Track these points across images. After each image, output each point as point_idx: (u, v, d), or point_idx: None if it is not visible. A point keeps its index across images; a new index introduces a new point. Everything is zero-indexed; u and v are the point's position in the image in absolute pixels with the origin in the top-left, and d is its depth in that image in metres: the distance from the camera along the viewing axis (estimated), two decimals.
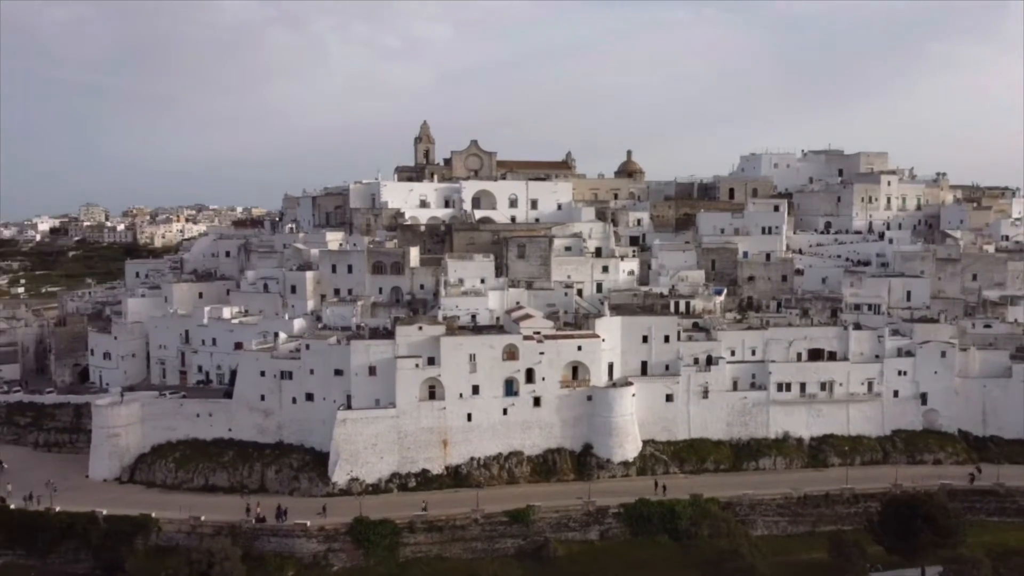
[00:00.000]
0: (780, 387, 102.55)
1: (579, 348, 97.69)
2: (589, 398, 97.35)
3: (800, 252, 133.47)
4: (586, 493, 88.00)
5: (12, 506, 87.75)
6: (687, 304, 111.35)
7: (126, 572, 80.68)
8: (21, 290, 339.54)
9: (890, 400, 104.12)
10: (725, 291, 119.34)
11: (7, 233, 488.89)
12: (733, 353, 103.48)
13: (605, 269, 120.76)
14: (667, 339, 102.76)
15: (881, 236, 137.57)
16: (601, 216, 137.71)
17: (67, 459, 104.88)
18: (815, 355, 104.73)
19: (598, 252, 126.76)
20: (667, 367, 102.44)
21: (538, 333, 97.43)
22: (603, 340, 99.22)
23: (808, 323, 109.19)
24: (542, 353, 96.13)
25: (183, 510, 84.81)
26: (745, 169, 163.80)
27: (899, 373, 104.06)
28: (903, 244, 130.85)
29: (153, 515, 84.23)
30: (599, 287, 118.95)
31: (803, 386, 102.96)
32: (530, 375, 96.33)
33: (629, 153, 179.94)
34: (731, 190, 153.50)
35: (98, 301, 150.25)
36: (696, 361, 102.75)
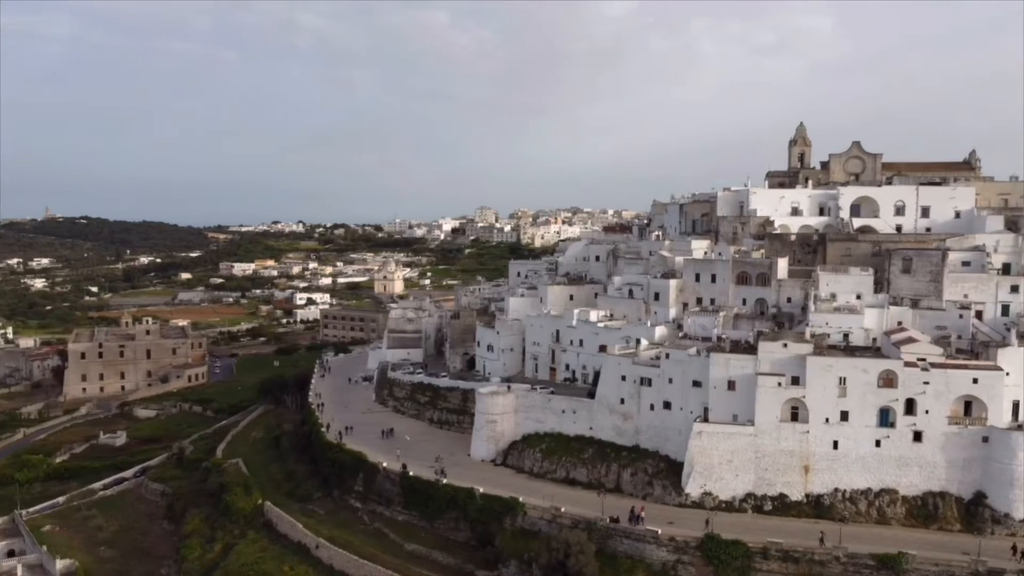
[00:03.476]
0: None
1: (975, 381, 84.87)
2: (985, 439, 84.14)
3: None
4: (975, 549, 76.23)
5: (411, 473, 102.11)
6: None
7: (495, 547, 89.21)
8: (427, 282, 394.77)
9: None
10: None
11: (419, 232, 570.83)
12: None
13: (1014, 289, 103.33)
14: None
15: None
16: (1013, 226, 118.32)
17: (454, 437, 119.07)
18: None
19: (1006, 269, 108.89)
20: None
21: (923, 360, 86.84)
22: (1007, 374, 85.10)
23: None
24: (926, 383, 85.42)
25: (545, 499, 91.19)
26: None
27: None
28: None
29: (520, 499, 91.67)
30: (1005, 310, 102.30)
31: None
32: (910, 406, 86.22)
33: None
34: None
35: (486, 297, 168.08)
36: None
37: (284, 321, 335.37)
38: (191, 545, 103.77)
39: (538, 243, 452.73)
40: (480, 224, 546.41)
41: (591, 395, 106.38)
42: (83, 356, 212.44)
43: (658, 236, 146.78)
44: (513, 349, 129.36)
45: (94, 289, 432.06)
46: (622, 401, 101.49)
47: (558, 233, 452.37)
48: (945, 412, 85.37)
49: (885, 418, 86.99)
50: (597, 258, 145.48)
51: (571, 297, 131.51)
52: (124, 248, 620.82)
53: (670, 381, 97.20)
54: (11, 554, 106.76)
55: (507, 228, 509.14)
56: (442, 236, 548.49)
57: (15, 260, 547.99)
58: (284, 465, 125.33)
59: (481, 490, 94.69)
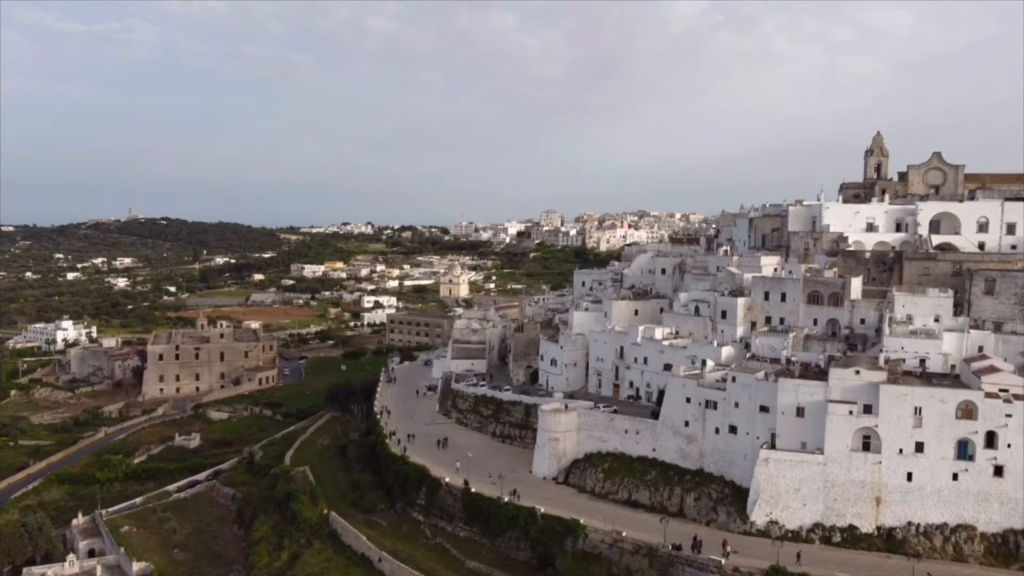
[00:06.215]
0: None
1: None
2: None
3: None
4: None
5: (473, 489, 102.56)
6: None
7: (556, 569, 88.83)
8: (492, 286, 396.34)
9: None
10: None
11: (484, 235, 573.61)
12: None
13: None
14: None
15: None
16: None
17: (516, 452, 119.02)
18: None
19: None
20: None
21: (1005, 391, 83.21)
22: None
23: None
24: (1009, 415, 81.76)
25: (607, 521, 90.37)
26: None
27: None
28: None
29: (582, 521, 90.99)
30: None
31: None
32: (991, 439, 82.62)
33: None
34: None
35: (550, 308, 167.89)
36: None
37: (352, 324, 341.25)
38: (259, 552, 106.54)
39: (603, 247, 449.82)
40: (545, 227, 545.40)
41: (655, 415, 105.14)
42: (161, 357, 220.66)
43: (726, 251, 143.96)
44: (576, 364, 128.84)
45: (172, 289, 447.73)
46: (686, 424, 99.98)
47: (624, 237, 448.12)
48: None
49: (963, 451, 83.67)
50: (663, 271, 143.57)
51: (636, 312, 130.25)
52: (201, 248, 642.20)
53: (736, 405, 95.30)
54: (91, 554, 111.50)
55: (572, 232, 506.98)
56: (508, 239, 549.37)
57: (100, 259, 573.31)
58: (349, 474, 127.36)
59: (542, 510, 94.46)
